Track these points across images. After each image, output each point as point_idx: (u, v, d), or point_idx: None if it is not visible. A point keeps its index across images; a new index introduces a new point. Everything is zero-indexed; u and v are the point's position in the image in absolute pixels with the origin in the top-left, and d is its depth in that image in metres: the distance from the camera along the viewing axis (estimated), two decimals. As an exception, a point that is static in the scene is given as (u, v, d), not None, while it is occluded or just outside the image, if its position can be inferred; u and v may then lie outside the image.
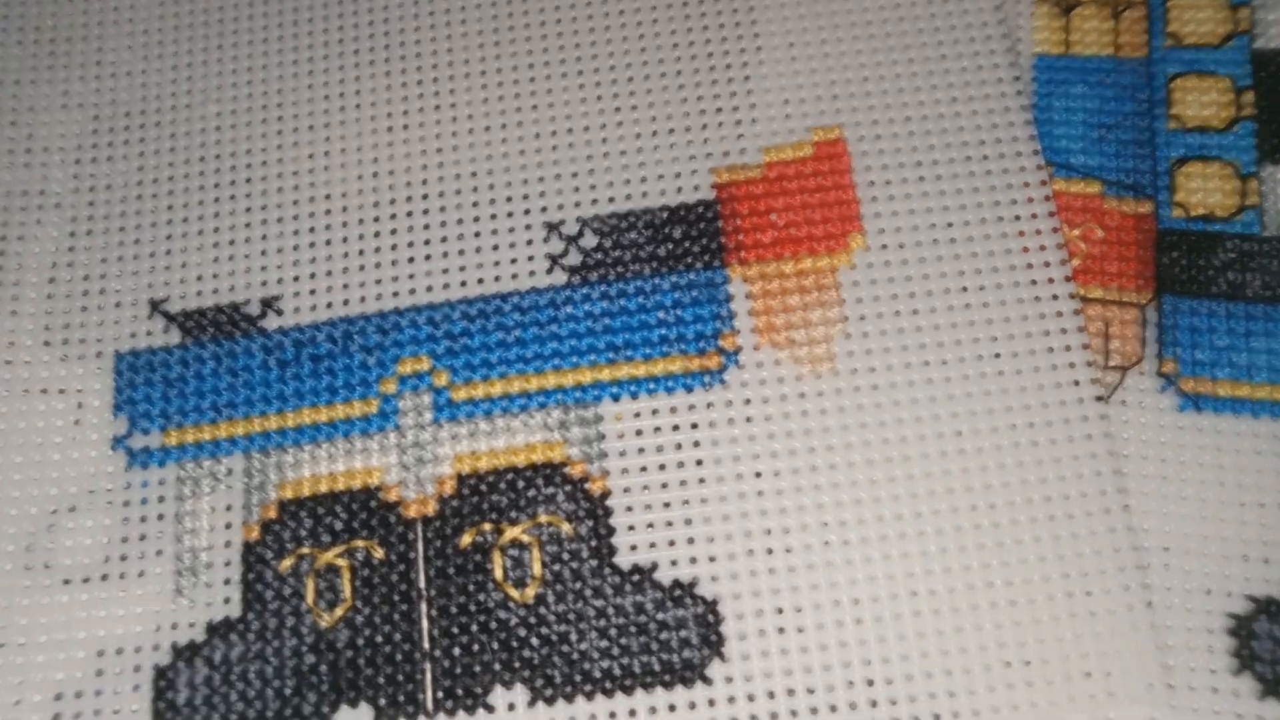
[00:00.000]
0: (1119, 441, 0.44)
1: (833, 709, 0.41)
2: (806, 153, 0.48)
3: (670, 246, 0.47)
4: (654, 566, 0.43)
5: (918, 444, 0.44)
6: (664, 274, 0.47)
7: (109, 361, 0.47)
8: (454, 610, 0.43)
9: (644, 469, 0.44)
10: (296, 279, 0.48)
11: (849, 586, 0.42)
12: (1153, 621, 0.41)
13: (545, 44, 0.51)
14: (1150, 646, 0.41)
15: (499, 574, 0.43)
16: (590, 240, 0.48)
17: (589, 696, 0.42)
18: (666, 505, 0.44)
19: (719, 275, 0.47)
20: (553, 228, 0.48)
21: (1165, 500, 0.43)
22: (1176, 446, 0.44)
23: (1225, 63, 0.49)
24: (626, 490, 0.44)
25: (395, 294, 0.47)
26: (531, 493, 0.44)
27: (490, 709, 0.42)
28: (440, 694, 0.42)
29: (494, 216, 0.48)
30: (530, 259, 0.48)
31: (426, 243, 0.48)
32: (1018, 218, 0.47)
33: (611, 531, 0.44)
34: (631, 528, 0.44)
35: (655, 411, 0.45)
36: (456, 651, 0.43)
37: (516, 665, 0.42)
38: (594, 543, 0.44)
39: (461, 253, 0.48)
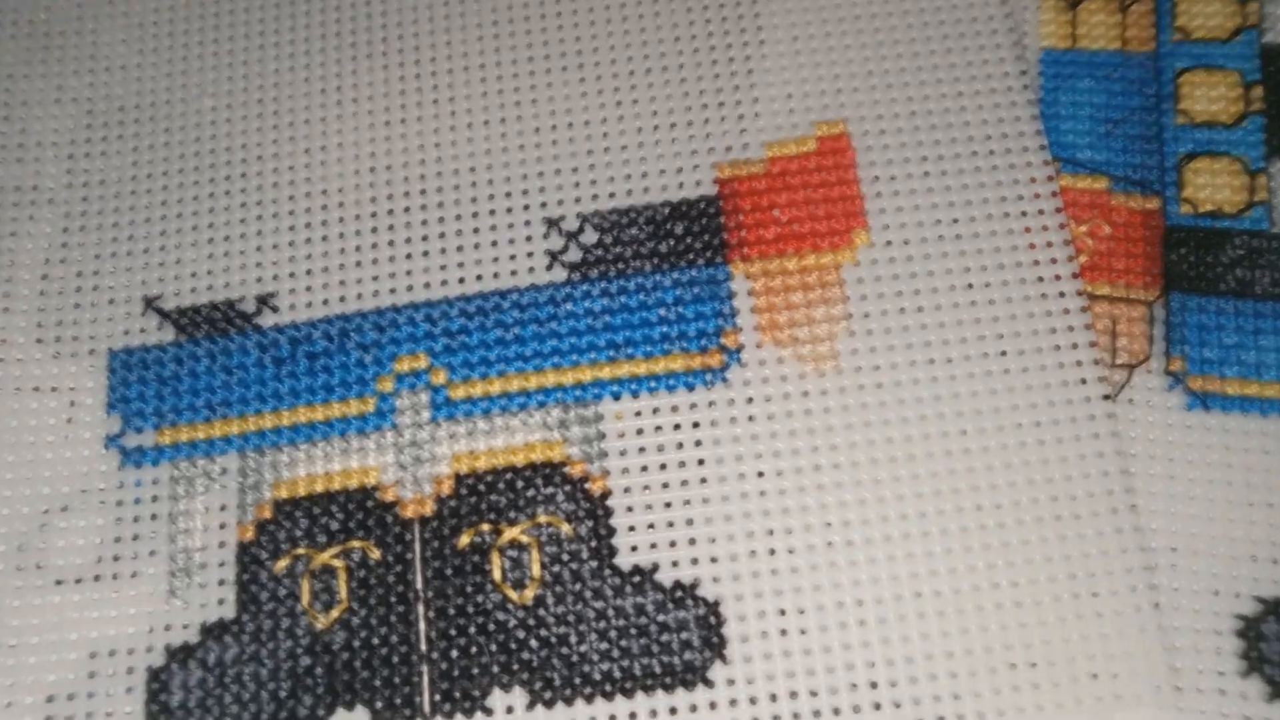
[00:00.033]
0: (1126, 440, 0.44)
1: (836, 712, 0.41)
2: (810, 147, 0.48)
3: (672, 243, 0.47)
4: (655, 567, 0.43)
5: (922, 443, 0.44)
6: (665, 270, 0.47)
7: (102, 359, 0.47)
8: (452, 612, 0.43)
9: (645, 468, 0.44)
10: (292, 275, 0.48)
11: (853, 587, 0.42)
12: (1160, 623, 0.41)
13: (545, 35, 0.51)
14: (1157, 648, 0.41)
15: (498, 575, 0.43)
16: (590, 236, 0.48)
17: (589, 699, 0.42)
18: (668, 505, 0.44)
19: (721, 272, 0.47)
20: (552, 223, 0.48)
21: (1173, 500, 0.43)
22: (1184, 445, 0.44)
23: (1234, 57, 0.49)
24: (627, 490, 0.44)
25: (392, 290, 0.47)
26: (531, 493, 0.44)
27: (489, 712, 0.42)
28: (438, 697, 0.42)
29: (493, 212, 0.48)
30: (530, 255, 0.48)
31: (424, 238, 0.48)
32: (1024, 214, 0.47)
33: (612, 532, 0.44)
34: (632, 528, 0.43)
35: (656, 410, 0.45)
36: (454, 654, 0.42)
37: (515, 668, 0.42)
38: (594, 543, 0.43)
39: (460, 249, 0.48)
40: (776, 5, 0.51)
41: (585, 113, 0.50)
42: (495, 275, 0.47)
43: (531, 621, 0.43)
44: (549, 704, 0.42)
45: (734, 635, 0.42)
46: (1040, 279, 0.45)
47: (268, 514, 0.44)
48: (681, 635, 0.42)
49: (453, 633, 0.43)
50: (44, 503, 0.45)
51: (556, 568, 0.43)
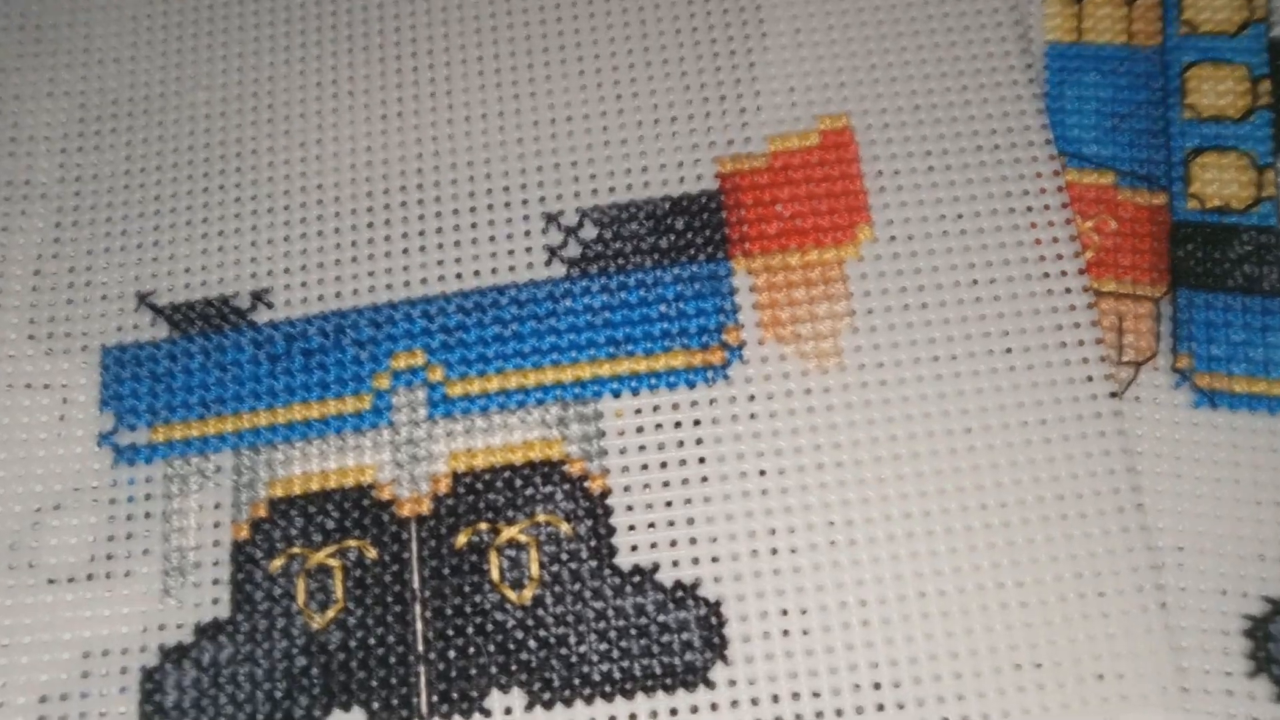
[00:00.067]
0: (1133, 439, 0.44)
1: (839, 713, 0.41)
2: (813, 142, 0.48)
3: (672, 238, 0.47)
4: (655, 567, 0.43)
5: (926, 441, 0.44)
6: (666, 266, 0.47)
7: (95, 356, 0.47)
8: (449, 612, 0.43)
9: (645, 467, 0.44)
10: (287, 271, 0.48)
11: (856, 587, 0.42)
12: (1167, 623, 0.41)
13: (544, 29, 0.51)
14: (1164, 648, 0.41)
15: (496, 575, 0.43)
16: (590, 231, 0.47)
17: (588, 700, 0.41)
18: (668, 504, 0.43)
19: (722, 268, 0.46)
20: (551, 219, 0.48)
21: (1180, 499, 0.43)
22: (1191, 444, 0.44)
23: (1241, 51, 0.49)
24: (627, 489, 0.44)
25: (389, 286, 0.47)
26: (529, 491, 0.44)
27: (487, 713, 0.42)
28: (435, 698, 0.42)
29: (491, 207, 0.48)
30: (528, 251, 0.47)
31: (421, 233, 0.48)
32: (1029, 209, 0.47)
33: (611, 531, 0.43)
34: (632, 527, 0.43)
35: (657, 408, 0.45)
36: (452, 654, 0.42)
37: (514, 668, 0.42)
38: (593, 543, 0.43)
39: (457, 244, 0.48)
40: (779, -3, 0.51)
41: (584, 106, 0.49)
42: (493, 271, 0.47)
43: (530, 622, 0.42)
44: (548, 705, 0.41)
45: (735, 635, 0.42)
46: (1046, 275, 0.45)
47: (262, 512, 0.44)
48: (682, 636, 0.42)
49: (450, 633, 0.42)
50: (36, 501, 0.45)
51: (555, 567, 0.43)
